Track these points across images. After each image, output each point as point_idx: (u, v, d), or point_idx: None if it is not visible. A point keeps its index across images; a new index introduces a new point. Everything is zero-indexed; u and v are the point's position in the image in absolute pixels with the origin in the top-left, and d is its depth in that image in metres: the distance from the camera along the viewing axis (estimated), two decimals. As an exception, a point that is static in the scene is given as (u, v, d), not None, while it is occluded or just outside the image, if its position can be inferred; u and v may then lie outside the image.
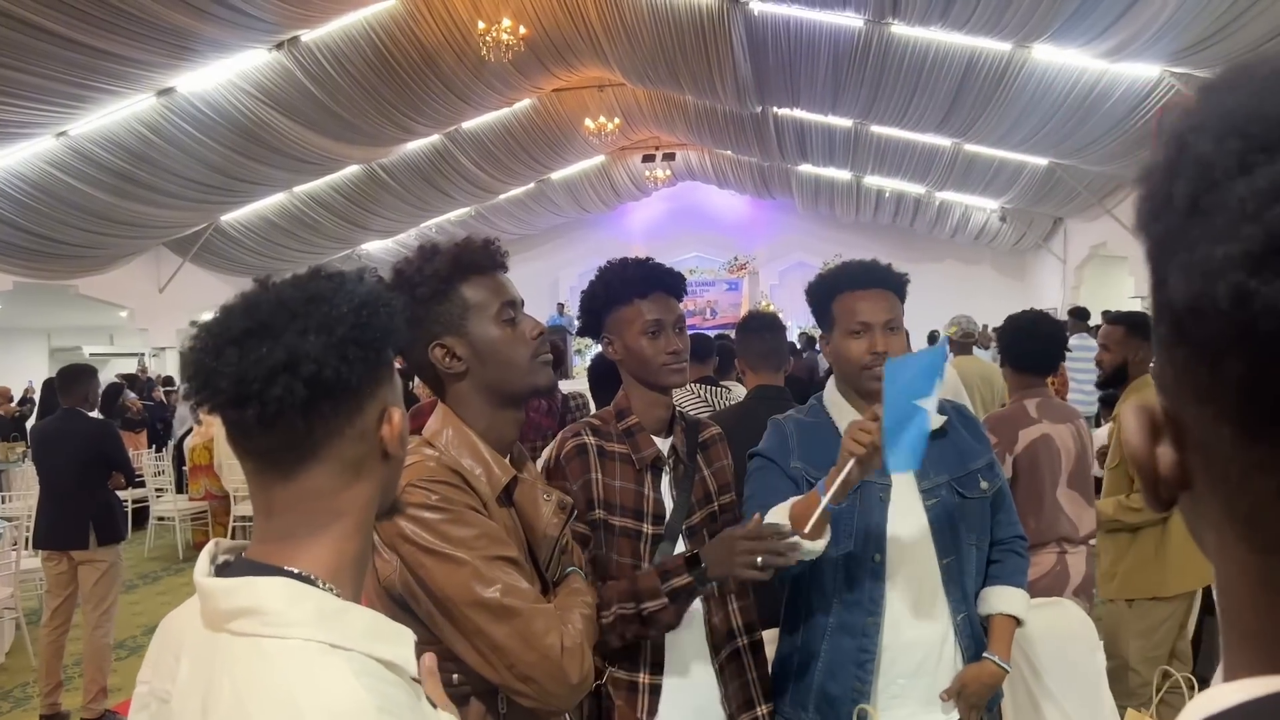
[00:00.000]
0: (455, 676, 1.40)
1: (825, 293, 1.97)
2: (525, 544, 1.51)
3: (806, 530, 1.61)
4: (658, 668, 1.82)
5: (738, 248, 17.12)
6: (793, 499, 1.75)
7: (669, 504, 1.88)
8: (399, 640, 0.91)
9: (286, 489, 0.90)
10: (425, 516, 1.35)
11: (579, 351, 12.82)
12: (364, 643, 0.87)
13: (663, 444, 1.90)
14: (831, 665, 1.85)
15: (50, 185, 8.15)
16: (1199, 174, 0.38)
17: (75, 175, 8.19)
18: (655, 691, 1.81)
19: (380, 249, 14.70)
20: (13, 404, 11.64)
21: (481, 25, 8.40)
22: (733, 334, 7.53)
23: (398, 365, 1.06)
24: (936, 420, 1.64)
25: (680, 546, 1.86)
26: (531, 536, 1.51)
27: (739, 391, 4.57)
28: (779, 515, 1.71)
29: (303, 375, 0.86)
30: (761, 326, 3.63)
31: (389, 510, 1.03)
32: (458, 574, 1.33)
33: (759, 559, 1.58)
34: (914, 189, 13.26)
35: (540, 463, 1.95)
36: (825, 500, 1.60)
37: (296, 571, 0.89)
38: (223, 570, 0.92)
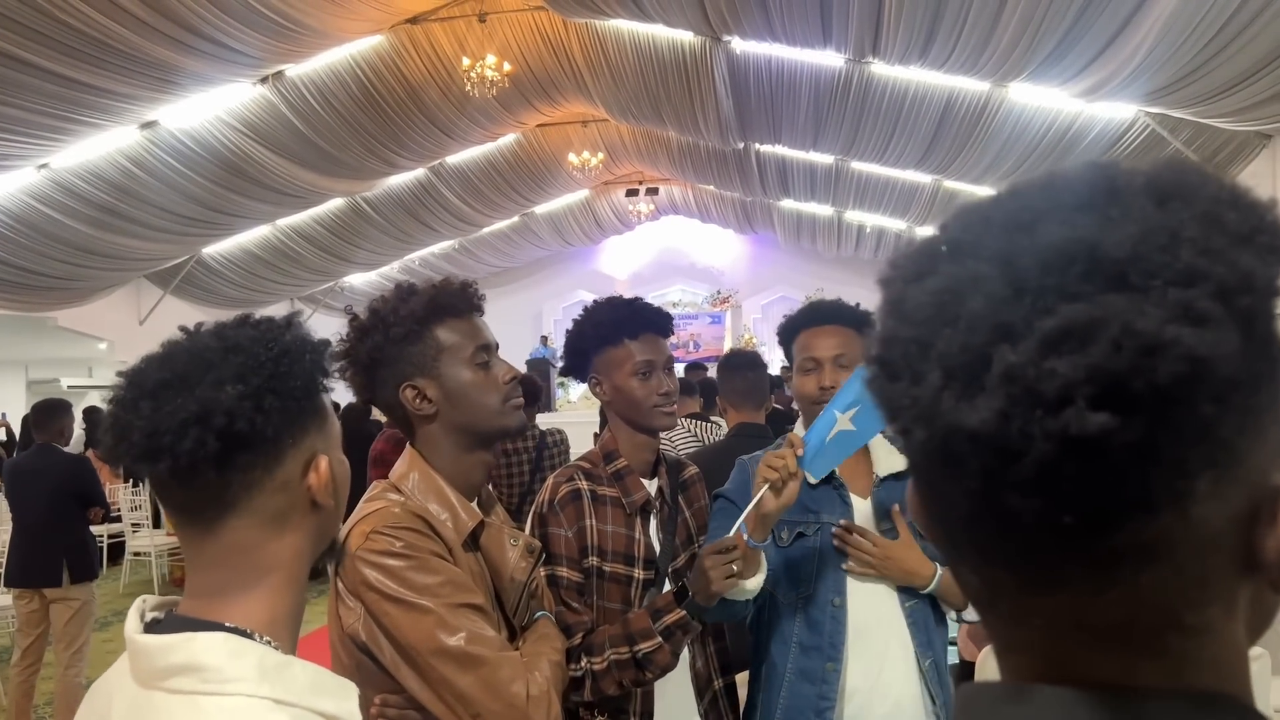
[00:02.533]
0: None
1: (789, 334, 1.99)
2: (492, 589, 1.49)
3: (747, 535, 1.62)
4: (647, 716, 1.79)
5: (721, 281, 17.19)
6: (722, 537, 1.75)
7: (657, 547, 1.87)
8: (343, 694, 0.89)
9: (211, 543, 0.89)
10: (389, 564, 1.34)
11: (561, 385, 12.78)
12: (308, 698, 0.85)
13: (649, 485, 1.89)
14: (790, 712, 1.81)
15: (31, 217, 8.10)
16: (881, 292, 0.51)
17: (56, 208, 8.14)
18: None
19: (363, 282, 14.67)
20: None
21: (466, 62, 8.45)
22: (708, 365, 7.55)
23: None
24: (844, 423, 1.66)
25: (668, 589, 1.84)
26: (498, 581, 1.50)
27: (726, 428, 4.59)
28: None
29: (214, 427, 0.84)
30: (742, 364, 3.64)
31: (330, 552, 1.02)
32: (422, 622, 1.32)
33: (734, 567, 1.58)
34: (895, 224, 13.37)
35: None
36: (745, 535, 1.61)
37: (233, 626, 0.87)
38: (153, 627, 0.89)
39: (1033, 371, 0.39)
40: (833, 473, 1.87)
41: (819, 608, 1.83)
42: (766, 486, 1.60)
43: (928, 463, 0.44)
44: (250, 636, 0.87)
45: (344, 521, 1.16)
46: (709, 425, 4.53)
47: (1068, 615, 0.44)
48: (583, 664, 1.68)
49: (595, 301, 1.95)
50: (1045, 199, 0.44)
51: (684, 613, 1.63)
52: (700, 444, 4.21)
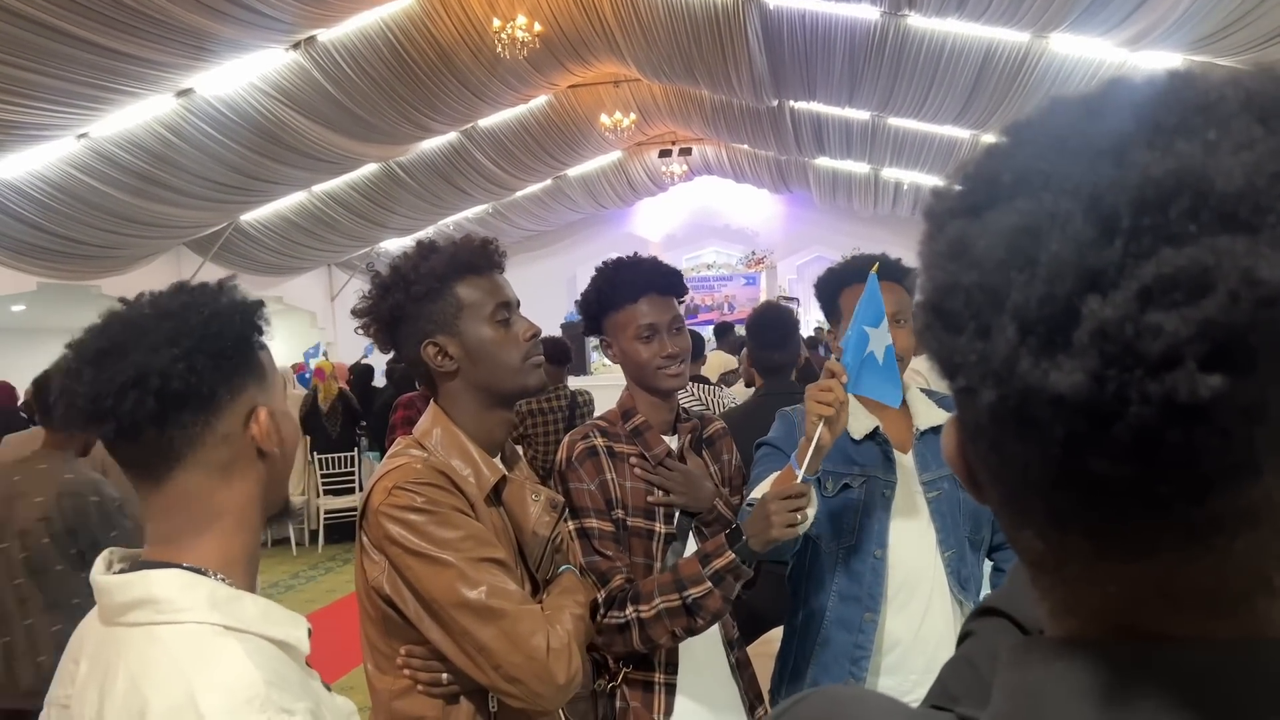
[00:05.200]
0: (445, 676, 1.41)
1: (834, 287, 1.98)
2: (515, 543, 1.52)
3: (803, 469, 1.63)
4: (672, 667, 1.82)
5: (755, 242, 17.05)
6: (771, 475, 1.75)
7: None
8: (292, 623, 0.96)
9: (161, 494, 0.97)
10: (411, 519, 1.36)
11: (596, 348, 12.82)
12: (257, 625, 0.92)
13: (669, 442, 1.90)
14: (825, 660, 1.85)
15: (72, 187, 8.22)
16: (926, 226, 0.45)
17: (96, 176, 8.25)
18: (671, 690, 1.81)
19: (398, 247, 14.74)
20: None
21: (497, 23, 8.40)
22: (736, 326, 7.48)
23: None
24: (880, 342, 1.69)
25: (692, 543, 1.86)
26: (521, 536, 1.52)
27: (730, 392, 4.61)
28: (759, 493, 1.73)
29: (151, 389, 0.92)
30: (773, 325, 3.62)
31: (285, 513, 1.10)
32: (443, 575, 1.35)
33: (800, 515, 1.58)
34: (933, 181, 13.17)
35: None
36: (801, 472, 1.61)
37: (189, 566, 0.94)
38: (119, 575, 0.96)
39: (1131, 328, 0.34)
40: (877, 428, 1.88)
41: (860, 559, 1.85)
42: (822, 422, 1.61)
43: (997, 425, 0.39)
44: (204, 574, 0.95)
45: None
46: (714, 389, 4.54)
47: (1151, 582, 0.40)
48: (627, 612, 1.69)
49: (604, 262, 1.95)
50: (1129, 119, 0.38)
51: (734, 557, 1.64)
52: (705, 408, 4.22)
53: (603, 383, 8.59)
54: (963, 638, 0.81)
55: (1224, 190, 0.34)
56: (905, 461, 1.91)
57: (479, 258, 1.54)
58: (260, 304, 1.06)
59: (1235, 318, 0.33)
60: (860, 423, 1.88)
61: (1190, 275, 0.34)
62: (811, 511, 1.65)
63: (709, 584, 1.65)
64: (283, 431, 1.04)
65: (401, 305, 1.50)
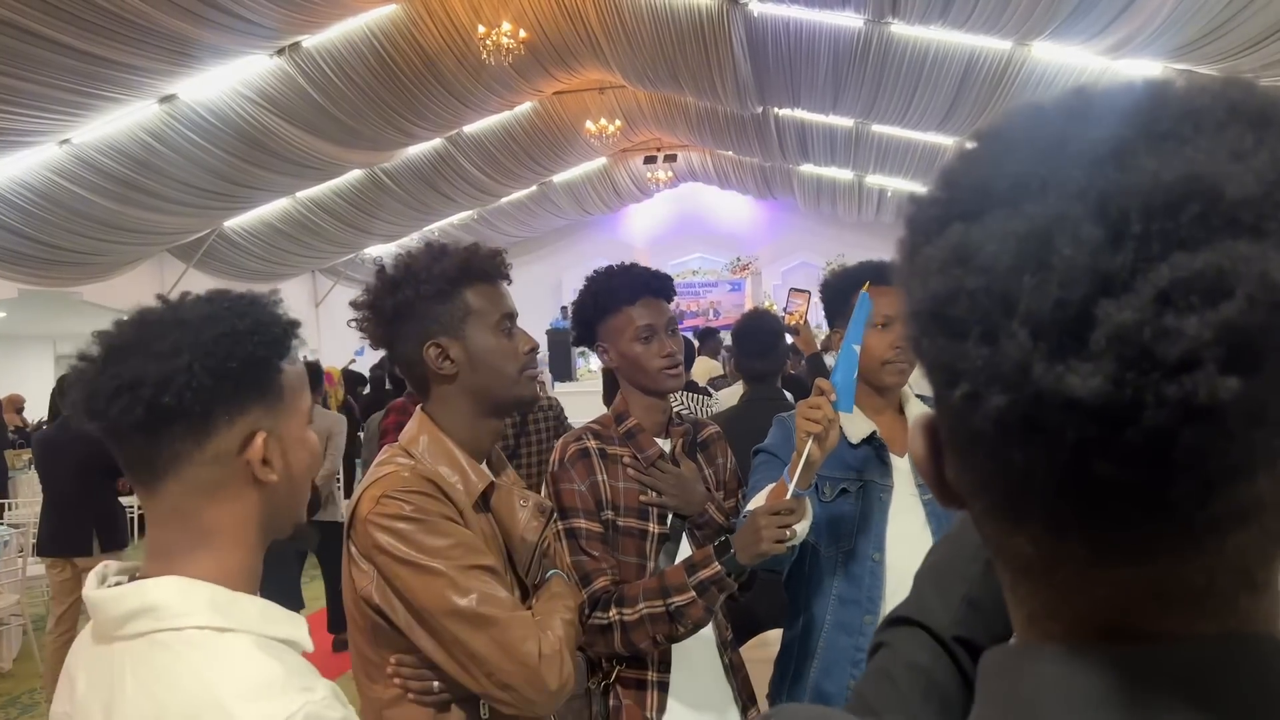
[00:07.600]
0: (436, 684, 1.41)
1: (848, 287, 1.95)
2: (504, 550, 1.52)
3: (793, 485, 1.64)
4: (665, 665, 1.83)
5: (740, 248, 17.10)
6: (765, 489, 1.76)
7: None
8: (292, 622, 0.94)
9: (154, 502, 0.93)
10: (400, 527, 1.36)
11: (582, 354, 12.82)
12: (257, 625, 0.90)
13: (662, 445, 1.92)
14: (827, 663, 1.85)
15: (54, 193, 8.16)
16: (911, 233, 0.44)
17: (79, 183, 8.20)
18: (663, 688, 1.82)
19: (383, 254, 14.69)
20: (23, 414, 11.65)
21: (481, 29, 8.39)
22: (721, 332, 7.52)
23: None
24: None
25: (685, 544, 1.87)
26: (510, 542, 1.53)
27: (717, 398, 4.63)
28: (755, 504, 1.74)
29: (142, 397, 0.88)
30: (759, 332, 3.63)
31: (299, 536, 1.06)
32: (433, 584, 1.34)
33: (788, 531, 1.59)
34: (917, 188, 13.21)
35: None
36: (792, 487, 1.62)
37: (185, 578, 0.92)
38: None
39: (1149, 331, 0.34)
40: (874, 432, 1.88)
41: (859, 563, 1.86)
42: (811, 439, 1.61)
43: (1001, 431, 0.38)
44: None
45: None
46: (700, 397, 4.57)
47: (1143, 584, 0.40)
48: (611, 614, 1.71)
49: (595, 271, 1.98)
50: (1122, 124, 0.38)
51: (720, 569, 1.65)
52: (693, 414, 4.24)
53: (591, 388, 8.58)
54: (874, 649, 0.81)
55: (1234, 196, 0.35)
56: (901, 464, 1.92)
57: (489, 266, 1.55)
58: (294, 324, 1.01)
59: (1252, 321, 0.34)
60: (857, 426, 1.89)
61: (1208, 279, 0.34)
62: (802, 526, 1.65)
63: (693, 593, 1.66)
64: (289, 459, 0.98)
65: (410, 303, 1.49)
